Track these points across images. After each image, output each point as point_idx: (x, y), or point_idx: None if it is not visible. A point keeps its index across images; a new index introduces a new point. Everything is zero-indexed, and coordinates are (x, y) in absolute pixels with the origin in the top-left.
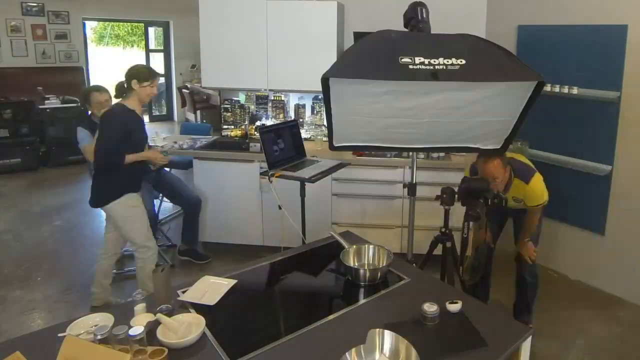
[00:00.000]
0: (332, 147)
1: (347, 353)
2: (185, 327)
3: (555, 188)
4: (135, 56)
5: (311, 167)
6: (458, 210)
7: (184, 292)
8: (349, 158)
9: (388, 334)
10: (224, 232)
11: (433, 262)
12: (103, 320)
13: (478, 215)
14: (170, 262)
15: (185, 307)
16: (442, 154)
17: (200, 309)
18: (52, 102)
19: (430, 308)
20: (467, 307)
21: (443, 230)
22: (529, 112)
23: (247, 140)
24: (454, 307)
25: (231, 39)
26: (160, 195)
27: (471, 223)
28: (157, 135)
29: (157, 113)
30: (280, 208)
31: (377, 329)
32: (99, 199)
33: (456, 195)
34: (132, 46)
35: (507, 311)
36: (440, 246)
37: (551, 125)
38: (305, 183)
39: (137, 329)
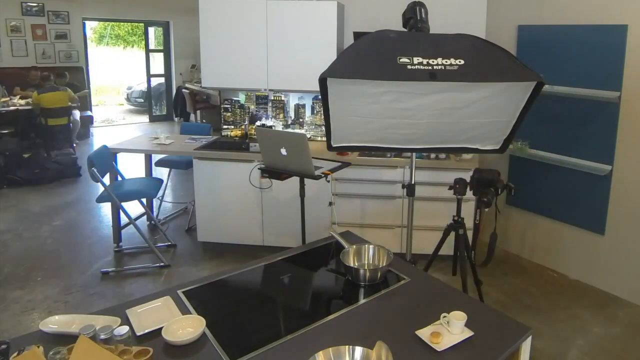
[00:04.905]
0: (330, 148)
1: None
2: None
3: (556, 188)
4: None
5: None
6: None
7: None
8: (349, 158)
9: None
10: (224, 232)
11: (436, 262)
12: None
13: (490, 201)
14: (167, 262)
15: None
16: (442, 154)
17: (199, 309)
18: None
19: None
20: (467, 307)
21: (456, 218)
22: (528, 113)
23: (247, 140)
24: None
25: (231, 39)
26: (161, 195)
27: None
28: (158, 134)
29: (157, 113)
30: (330, 204)
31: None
32: None
33: (468, 186)
34: (132, 46)
35: (507, 311)
36: (442, 248)
37: (551, 125)
38: (305, 183)
39: (121, 329)
